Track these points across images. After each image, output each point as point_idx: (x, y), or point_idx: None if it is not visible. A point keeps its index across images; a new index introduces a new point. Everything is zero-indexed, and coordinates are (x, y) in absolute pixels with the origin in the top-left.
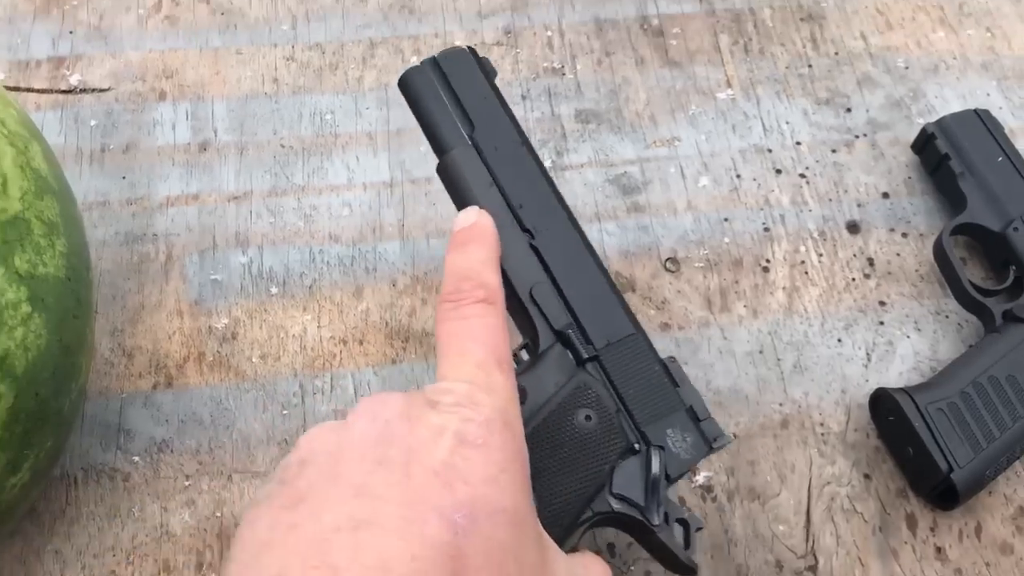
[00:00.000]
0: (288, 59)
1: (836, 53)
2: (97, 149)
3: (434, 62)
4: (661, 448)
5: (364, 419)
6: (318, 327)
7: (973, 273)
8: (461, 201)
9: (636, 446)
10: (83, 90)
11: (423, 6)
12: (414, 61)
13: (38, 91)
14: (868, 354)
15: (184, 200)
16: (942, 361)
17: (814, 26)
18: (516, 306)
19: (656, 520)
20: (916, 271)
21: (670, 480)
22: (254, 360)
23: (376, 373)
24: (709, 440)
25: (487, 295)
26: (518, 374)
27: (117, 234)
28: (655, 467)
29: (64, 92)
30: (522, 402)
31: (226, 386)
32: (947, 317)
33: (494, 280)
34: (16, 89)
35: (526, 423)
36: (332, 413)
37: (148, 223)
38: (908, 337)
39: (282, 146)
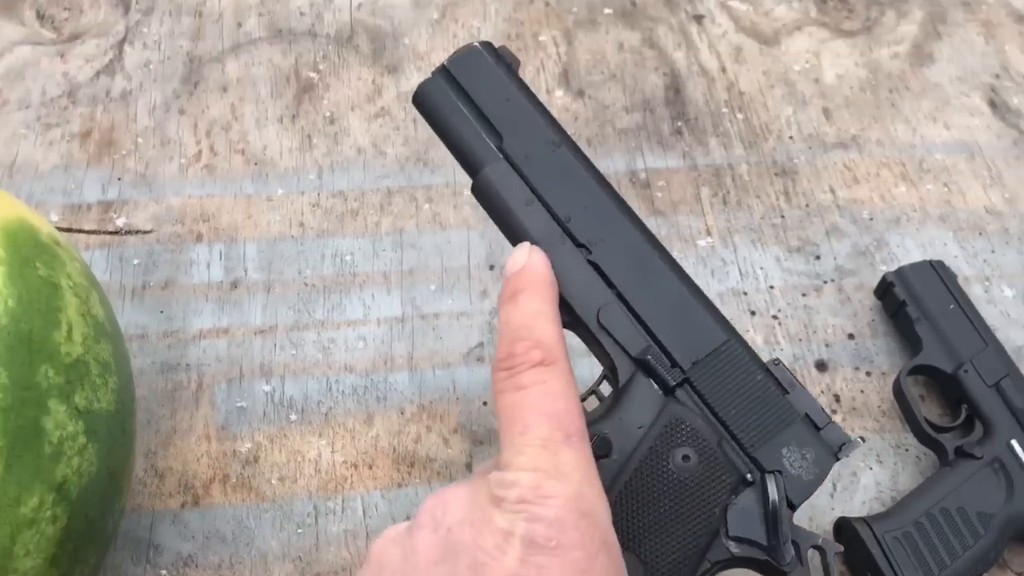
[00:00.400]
0: (314, 205)
1: (807, 205)
2: (139, 286)
3: (444, 71)
4: (778, 472)
5: (426, 529)
6: (332, 452)
7: (931, 410)
8: (503, 225)
9: (749, 476)
10: (128, 232)
11: (436, 159)
12: (427, 208)
13: (87, 232)
14: (834, 484)
15: (215, 333)
16: (902, 491)
17: (787, 180)
18: (587, 336)
19: (786, 558)
20: (878, 407)
21: (793, 507)
22: (273, 482)
23: (383, 496)
24: (833, 449)
25: (544, 355)
26: (595, 420)
27: (154, 363)
28: (774, 497)
29: (111, 233)
30: (606, 454)
31: (247, 506)
32: (906, 450)
33: (551, 334)
34: (68, 230)
35: (615, 478)
36: (343, 533)
37: (182, 354)
38: (871, 469)
39: (305, 284)
